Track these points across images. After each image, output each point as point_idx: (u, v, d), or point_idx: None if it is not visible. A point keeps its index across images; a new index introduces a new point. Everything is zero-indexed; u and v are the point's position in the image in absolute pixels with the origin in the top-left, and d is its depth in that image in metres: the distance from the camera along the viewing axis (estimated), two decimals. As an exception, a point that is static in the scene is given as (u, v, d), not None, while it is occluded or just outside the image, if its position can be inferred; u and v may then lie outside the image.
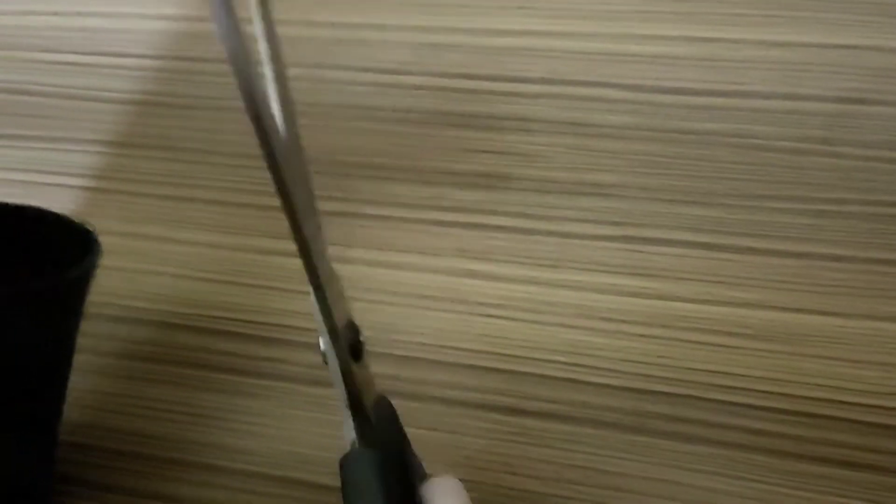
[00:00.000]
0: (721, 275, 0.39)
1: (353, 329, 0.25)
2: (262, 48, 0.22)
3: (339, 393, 0.24)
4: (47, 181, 0.47)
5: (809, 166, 0.41)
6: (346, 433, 0.25)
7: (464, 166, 0.43)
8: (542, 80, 0.46)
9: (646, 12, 0.47)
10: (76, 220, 0.32)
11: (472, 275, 0.40)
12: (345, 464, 0.24)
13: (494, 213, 0.42)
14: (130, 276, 0.42)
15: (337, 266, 0.40)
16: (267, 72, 0.22)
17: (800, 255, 0.39)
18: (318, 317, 0.24)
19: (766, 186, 0.41)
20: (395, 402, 0.26)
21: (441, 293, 0.39)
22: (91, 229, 0.32)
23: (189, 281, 0.42)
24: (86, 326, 0.33)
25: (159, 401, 0.38)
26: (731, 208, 0.40)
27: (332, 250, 0.39)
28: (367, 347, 0.25)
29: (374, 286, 0.40)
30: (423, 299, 0.39)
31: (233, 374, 0.38)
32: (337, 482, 0.24)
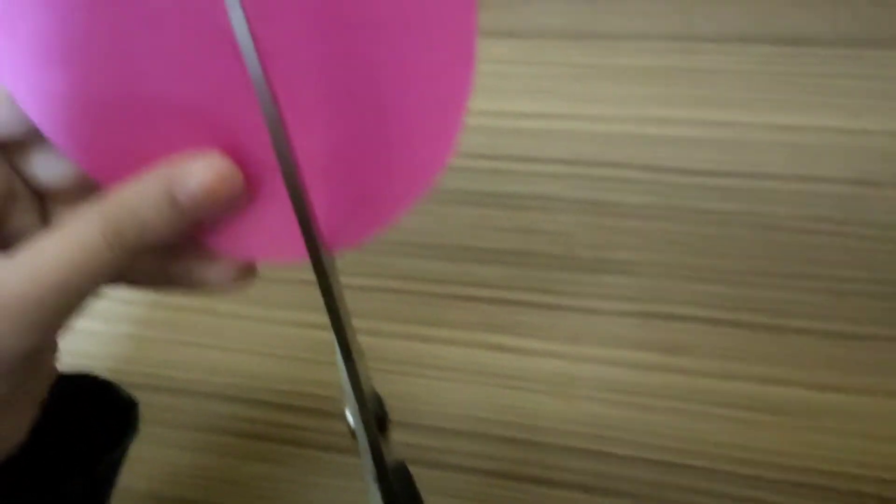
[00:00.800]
0: (740, 351, 0.40)
1: (379, 402, 0.27)
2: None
3: (365, 463, 0.26)
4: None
5: (824, 246, 0.42)
6: (372, 502, 0.26)
7: (488, 243, 0.45)
8: (563, 161, 0.48)
9: (663, 96, 0.49)
10: (120, 389, 0.35)
11: (497, 348, 0.42)
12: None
13: (518, 288, 0.44)
14: (166, 347, 0.44)
15: (365, 339, 0.42)
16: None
17: (816, 333, 0.40)
18: (348, 390, 0.25)
19: (783, 265, 0.42)
20: (421, 470, 0.27)
21: (466, 365, 0.41)
22: (135, 401, 0.34)
23: (218, 352, 0.44)
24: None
25: (197, 467, 0.39)
26: (749, 286, 0.42)
27: (360, 323, 0.41)
28: (392, 420, 0.27)
29: (401, 358, 0.42)
30: (449, 371, 0.41)
31: (257, 441, 0.40)
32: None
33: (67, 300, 0.25)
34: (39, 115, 0.26)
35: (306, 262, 0.25)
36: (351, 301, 0.43)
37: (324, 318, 0.43)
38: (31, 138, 0.27)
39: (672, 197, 0.45)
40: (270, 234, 0.27)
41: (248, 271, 0.28)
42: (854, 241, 0.42)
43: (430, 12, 0.25)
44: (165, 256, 0.27)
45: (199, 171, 0.25)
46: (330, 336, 0.42)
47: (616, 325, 0.42)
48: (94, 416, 0.34)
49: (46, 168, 0.29)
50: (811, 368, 0.39)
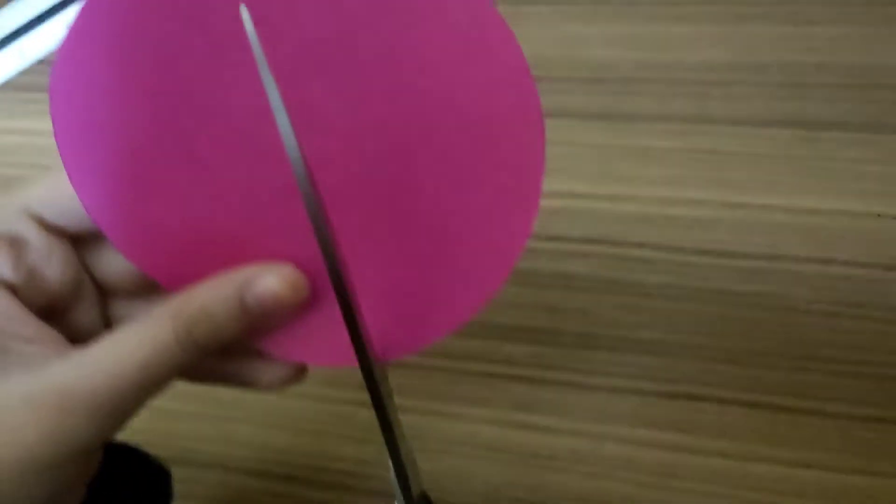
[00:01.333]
0: (762, 433, 0.40)
1: (426, 500, 0.28)
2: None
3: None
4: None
5: (844, 329, 0.43)
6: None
7: (511, 321, 0.46)
8: (585, 240, 0.49)
9: (683, 177, 0.50)
10: (153, 458, 0.36)
11: (522, 426, 0.42)
12: None
13: (541, 366, 0.44)
14: (193, 421, 0.44)
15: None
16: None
17: (838, 416, 0.41)
18: (397, 492, 0.26)
19: (804, 348, 0.43)
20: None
21: (491, 443, 0.42)
22: (168, 470, 0.35)
23: (246, 425, 0.44)
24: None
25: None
26: (770, 368, 0.42)
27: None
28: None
29: (426, 435, 0.42)
30: (474, 448, 0.42)
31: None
32: None
33: (137, 396, 0.26)
34: (102, 221, 0.28)
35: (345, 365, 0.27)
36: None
37: (352, 394, 0.43)
38: (97, 234, 0.29)
39: (693, 278, 0.46)
40: (324, 339, 0.28)
41: (299, 373, 0.30)
42: (875, 324, 0.43)
43: (497, 148, 0.26)
44: (220, 355, 0.29)
45: (271, 279, 0.27)
46: (362, 413, 0.42)
47: (639, 405, 0.42)
48: (128, 485, 0.34)
49: (109, 264, 0.30)
50: (836, 451, 0.39)
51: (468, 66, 0.25)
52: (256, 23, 0.23)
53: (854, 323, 0.43)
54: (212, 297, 0.26)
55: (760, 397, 0.42)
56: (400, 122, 0.25)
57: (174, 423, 0.41)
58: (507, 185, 0.26)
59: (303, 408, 0.44)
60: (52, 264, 0.29)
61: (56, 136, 0.27)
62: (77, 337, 0.29)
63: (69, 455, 0.25)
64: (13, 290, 0.27)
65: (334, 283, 0.25)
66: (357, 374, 0.26)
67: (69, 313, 0.30)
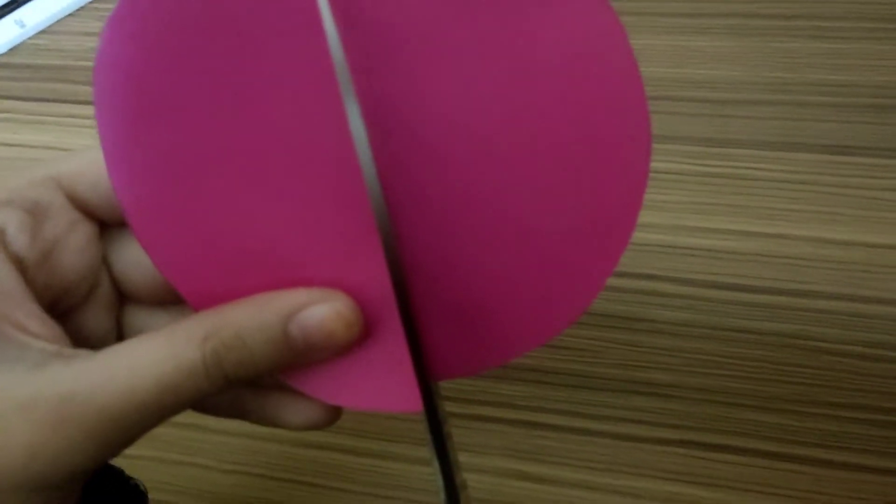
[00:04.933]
0: (787, 488, 0.38)
1: None
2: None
3: None
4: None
5: (879, 373, 0.41)
6: None
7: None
8: (592, 271, 0.47)
9: (699, 204, 0.49)
10: (130, 479, 0.33)
11: (521, 476, 0.40)
12: None
13: (542, 409, 0.42)
14: (156, 467, 0.42)
15: (373, 462, 0.41)
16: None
17: (872, 470, 0.38)
18: None
19: (834, 393, 0.41)
20: None
21: (488, 495, 0.39)
22: (144, 490, 0.33)
23: (212, 472, 0.42)
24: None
25: None
26: (797, 415, 0.40)
27: (369, 445, 0.40)
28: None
29: (410, 485, 0.40)
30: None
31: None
32: None
33: (146, 420, 0.23)
34: (132, 211, 0.25)
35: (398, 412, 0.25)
36: (358, 421, 0.42)
37: (326, 438, 0.41)
38: (126, 226, 0.26)
39: (709, 314, 0.44)
40: (367, 380, 0.25)
41: (332, 415, 0.27)
42: (912, 368, 0.41)
43: (601, 166, 0.24)
44: (243, 388, 0.26)
45: (323, 310, 0.24)
46: (336, 458, 0.40)
47: (651, 454, 0.40)
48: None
49: (134, 264, 0.27)
50: (869, 509, 0.37)
51: (580, 75, 0.23)
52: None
53: (890, 367, 0.42)
54: (251, 322, 0.24)
55: (787, 448, 0.39)
56: (494, 124, 0.23)
57: (132, 471, 0.39)
58: (605, 208, 0.24)
59: (275, 452, 0.42)
60: (72, 244, 0.26)
61: (96, 110, 0.24)
62: (82, 341, 0.27)
63: (60, 477, 0.23)
64: (23, 268, 0.25)
65: (401, 307, 0.23)
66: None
67: (78, 312, 0.27)
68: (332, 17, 0.22)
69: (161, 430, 0.42)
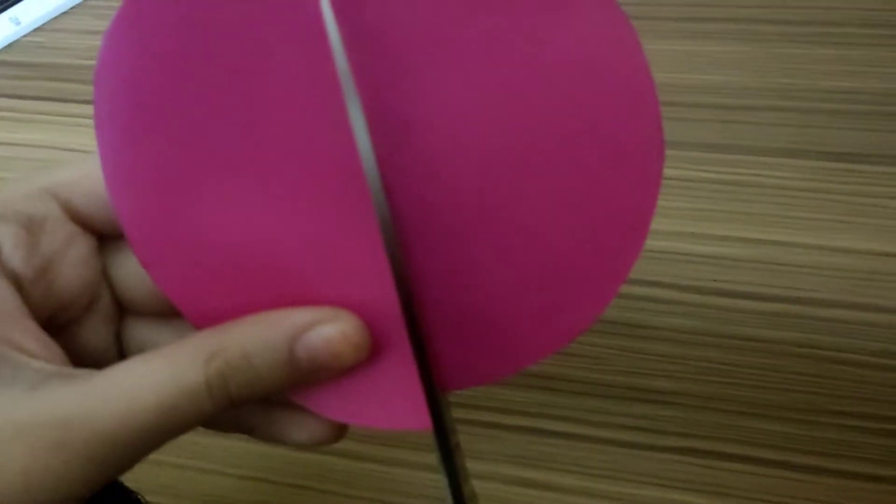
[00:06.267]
0: (789, 496, 0.39)
1: None
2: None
3: None
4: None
5: (882, 382, 0.42)
6: None
7: (512, 364, 0.45)
8: (595, 277, 0.47)
9: (704, 210, 0.49)
10: (130, 490, 0.34)
11: (523, 483, 0.40)
12: None
13: (545, 416, 0.42)
14: (151, 469, 0.42)
15: (374, 467, 0.41)
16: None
17: (875, 479, 0.39)
18: None
19: (836, 401, 0.41)
20: None
21: (491, 501, 0.39)
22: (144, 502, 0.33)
23: (210, 475, 0.42)
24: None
25: None
26: (798, 423, 0.41)
27: (366, 449, 0.40)
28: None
29: (412, 490, 0.40)
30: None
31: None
32: None
33: (147, 442, 0.23)
34: (129, 223, 0.25)
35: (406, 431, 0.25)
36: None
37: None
38: (123, 241, 0.26)
39: (714, 321, 0.45)
40: (370, 398, 0.25)
41: (338, 431, 0.26)
42: (918, 378, 0.42)
43: (614, 173, 0.24)
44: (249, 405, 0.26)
45: (330, 330, 0.24)
46: (339, 462, 0.41)
47: (654, 462, 0.40)
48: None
49: (135, 276, 0.27)
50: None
51: (592, 78, 0.23)
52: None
53: (891, 375, 0.42)
54: (257, 342, 0.23)
55: (789, 457, 0.40)
56: (503, 129, 0.23)
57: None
58: (618, 214, 0.24)
59: (273, 455, 0.42)
60: (70, 259, 0.26)
61: (95, 118, 0.24)
62: (82, 357, 0.26)
63: (59, 502, 0.22)
64: (19, 285, 0.24)
65: (407, 320, 0.23)
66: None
67: (77, 327, 0.27)
68: (335, 23, 0.22)
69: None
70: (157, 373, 0.23)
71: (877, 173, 0.49)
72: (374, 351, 0.25)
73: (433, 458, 0.41)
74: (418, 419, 0.25)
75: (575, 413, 0.42)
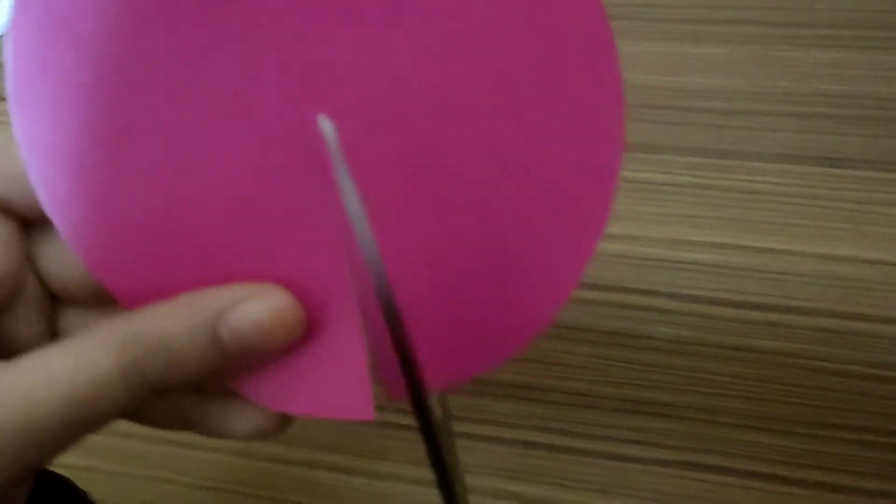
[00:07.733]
0: (789, 511, 0.39)
1: None
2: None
3: None
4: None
5: (880, 394, 0.41)
6: None
7: (501, 375, 0.44)
8: (588, 285, 0.47)
9: (698, 217, 0.49)
10: (79, 490, 0.33)
11: (517, 497, 0.40)
12: None
13: (538, 428, 0.42)
14: (107, 479, 0.41)
15: (358, 480, 0.40)
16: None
17: (875, 495, 0.39)
18: None
19: (834, 414, 0.41)
20: None
21: (480, 517, 0.39)
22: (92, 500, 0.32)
23: (166, 485, 0.42)
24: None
25: None
26: (798, 437, 0.40)
27: (348, 462, 0.40)
28: None
29: (400, 505, 0.40)
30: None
31: None
32: None
33: (60, 435, 0.22)
34: (53, 204, 0.23)
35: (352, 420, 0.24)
36: (339, 438, 0.41)
37: (313, 455, 0.41)
38: (49, 226, 0.24)
39: (708, 331, 0.45)
40: (313, 385, 0.24)
41: (281, 422, 0.25)
42: (919, 390, 0.42)
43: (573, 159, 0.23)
44: (182, 395, 0.25)
45: (256, 307, 0.22)
46: (323, 476, 0.40)
47: (649, 475, 0.40)
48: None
49: (65, 263, 0.26)
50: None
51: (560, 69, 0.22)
52: None
53: (890, 388, 0.42)
54: (175, 324, 0.22)
55: (788, 471, 0.39)
56: (450, 87, 0.22)
57: (82, 484, 0.38)
58: (580, 201, 0.24)
59: (226, 464, 0.42)
60: None
61: (9, 91, 0.22)
62: (12, 346, 0.25)
63: None
64: None
65: (384, 306, 0.21)
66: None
67: (4, 316, 0.26)
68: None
69: (135, 446, 0.42)
70: (68, 359, 0.22)
71: (874, 179, 0.49)
72: (312, 330, 0.23)
73: (424, 472, 0.41)
74: (363, 410, 0.24)
75: (568, 425, 0.42)
